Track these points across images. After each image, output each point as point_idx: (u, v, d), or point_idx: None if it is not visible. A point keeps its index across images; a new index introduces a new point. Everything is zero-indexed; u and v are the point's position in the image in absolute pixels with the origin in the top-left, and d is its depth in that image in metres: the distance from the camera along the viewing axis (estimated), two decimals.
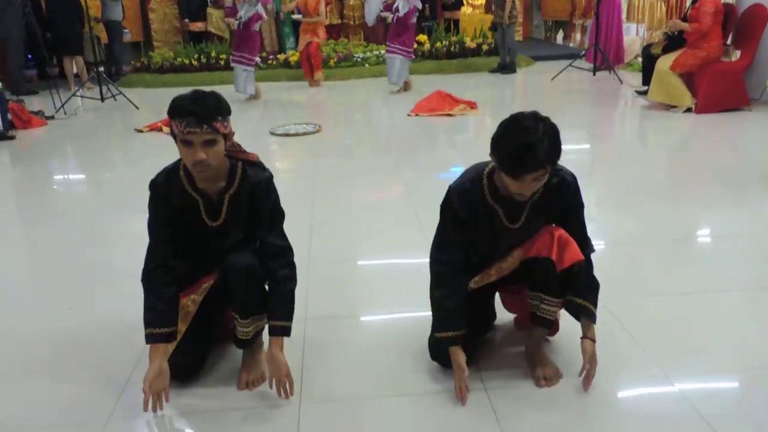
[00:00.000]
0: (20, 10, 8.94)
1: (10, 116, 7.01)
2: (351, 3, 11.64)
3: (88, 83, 9.48)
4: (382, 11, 8.84)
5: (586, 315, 2.24)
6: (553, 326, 2.38)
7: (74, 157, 6.40)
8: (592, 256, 2.32)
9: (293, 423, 2.11)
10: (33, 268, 3.62)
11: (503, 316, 2.65)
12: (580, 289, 2.24)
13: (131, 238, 3.81)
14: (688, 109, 6.55)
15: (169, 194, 2.22)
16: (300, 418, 2.13)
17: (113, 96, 8.77)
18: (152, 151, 5.99)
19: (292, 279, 2.31)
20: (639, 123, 6.88)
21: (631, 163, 5.14)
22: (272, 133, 6.45)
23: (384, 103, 8.42)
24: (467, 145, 6.05)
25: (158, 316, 2.20)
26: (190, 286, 2.31)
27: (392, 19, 8.44)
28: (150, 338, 2.19)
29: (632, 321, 2.62)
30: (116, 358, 2.51)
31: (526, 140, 1.93)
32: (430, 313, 2.42)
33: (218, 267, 2.30)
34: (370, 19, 11.22)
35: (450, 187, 2.24)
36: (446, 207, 2.25)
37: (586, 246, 2.27)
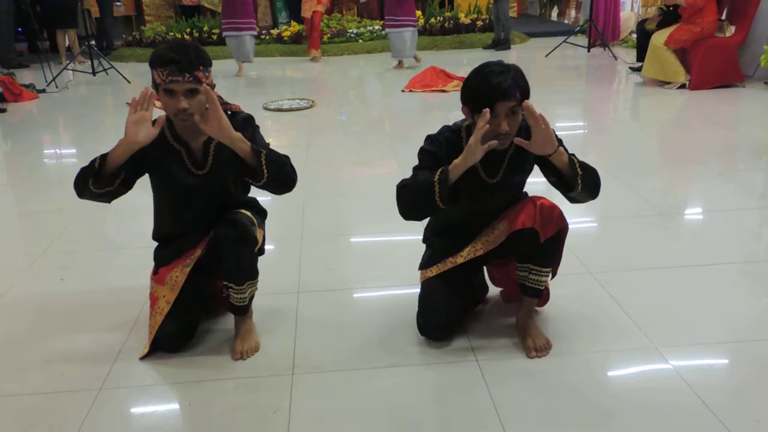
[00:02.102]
0: None
1: (1, 89, 6.95)
2: None
3: (80, 57, 9.39)
4: None
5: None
6: (542, 296, 2.39)
7: (66, 130, 6.35)
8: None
9: (286, 392, 2.12)
10: (25, 240, 3.62)
11: (494, 288, 2.67)
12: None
13: (123, 210, 3.81)
14: (682, 86, 6.55)
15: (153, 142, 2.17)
16: (293, 387, 2.15)
17: (105, 70, 8.70)
18: None
19: (288, 159, 2.26)
20: (633, 99, 6.87)
21: (624, 139, 5.15)
22: (265, 108, 6.41)
23: (378, 79, 8.37)
24: None
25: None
26: (177, 257, 2.32)
27: None
28: (101, 158, 2.15)
29: (624, 295, 2.65)
30: (108, 329, 2.52)
31: (492, 73, 2.05)
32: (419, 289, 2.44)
33: (204, 232, 2.30)
34: None
35: (429, 135, 2.27)
36: (423, 147, 2.26)
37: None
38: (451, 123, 2.33)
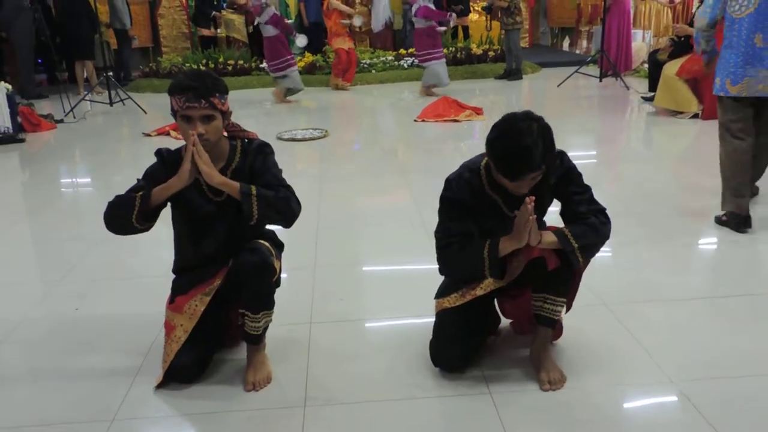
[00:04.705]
0: (31, 15, 9.04)
1: (20, 119, 7.08)
2: (357, 10, 11.69)
3: (98, 87, 9.55)
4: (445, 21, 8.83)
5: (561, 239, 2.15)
6: (556, 325, 2.36)
7: (83, 160, 6.44)
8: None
9: (298, 425, 2.11)
10: (41, 269, 3.65)
11: (508, 320, 2.65)
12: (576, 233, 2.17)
13: (140, 239, 3.84)
14: (695, 115, 6.54)
15: (171, 166, 2.24)
16: (305, 419, 2.14)
17: (122, 100, 8.83)
18: None
19: (289, 198, 2.26)
20: (645, 129, 6.88)
21: (638, 169, 5.13)
22: (279, 138, 6.47)
23: (391, 109, 8.44)
24: (473, 151, 5.93)
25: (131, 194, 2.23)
26: (195, 286, 2.33)
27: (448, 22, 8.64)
28: (142, 199, 2.20)
29: (638, 327, 2.62)
30: (122, 359, 2.53)
31: (521, 144, 1.97)
32: (434, 318, 2.42)
33: (223, 259, 2.31)
34: (377, 26, 11.27)
35: (448, 178, 2.26)
36: (446, 195, 2.26)
37: (602, 224, 2.20)
38: (463, 152, 2.33)
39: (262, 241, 2.32)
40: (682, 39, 6.76)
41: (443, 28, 8.87)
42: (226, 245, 2.32)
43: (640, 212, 4.01)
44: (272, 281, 2.32)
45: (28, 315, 2.96)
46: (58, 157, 6.44)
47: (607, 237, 2.22)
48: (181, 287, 2.38)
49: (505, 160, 2.02)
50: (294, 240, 3.65)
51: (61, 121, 7.81)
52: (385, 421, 2.14)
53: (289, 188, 2.29)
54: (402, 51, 11.01)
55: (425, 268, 3.27)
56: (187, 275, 2.39)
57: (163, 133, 6.81)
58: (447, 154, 6.14)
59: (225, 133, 2.32)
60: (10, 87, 7.18)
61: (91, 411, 2.22)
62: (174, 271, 2.48)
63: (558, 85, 9.11)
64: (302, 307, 2.91)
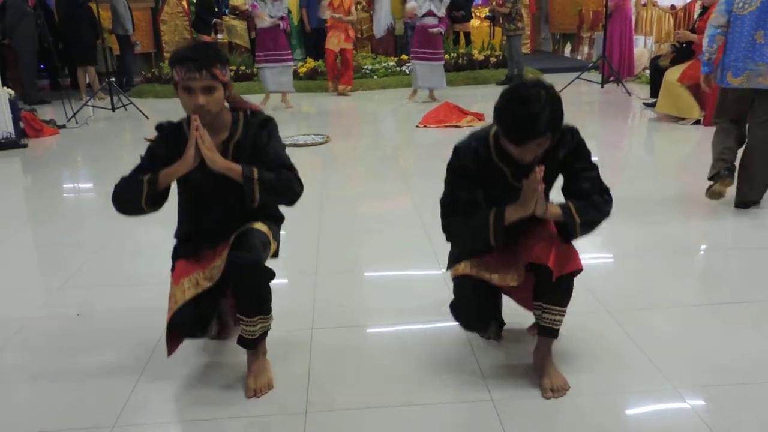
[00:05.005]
0: (34, 21, 9.06)
1: (22, 125, 7.09)
2: (359, 15, 11.71)
3: (100, 93, 9.57)
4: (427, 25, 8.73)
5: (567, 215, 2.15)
6: (557, 335, 2.34)
7: (85, 165, 6.45)
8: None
9: (299, 431, 2.11)
10: (42, 275, 3.65)
11: (511, 324, 2.65)
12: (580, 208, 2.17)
13: (141, 246, 3.85)
14: (697, 121, 6.54)
15: (172, 140, 2.28)
16: (306, 426, 2.13)
17: (124, 106, 8.84)
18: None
19: (291, 180, 2.26)
20: (647, 135, 6.88)
21: (640, 175, 5.13)
22: None
23: (392, 115, 8.45)
24: None
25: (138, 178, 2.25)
26: (196, 262, 2.33)
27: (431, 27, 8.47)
28: (150, 183, 2.22)
29: (641, 334, 2.61)
30: (123, 365, 2.52)
31: (528, 109, 1.98)
32: (435, 324, 2.42)
33: (225, 233, 2.30)
34: (379, 32, 11.29)
35: (456, 146, 2.27)
36: (453, 162, 2.26)
37: (605, 202, 2.22)
38: None
39: (259, 226, 2.32)
40: (684, 45, 6.77)
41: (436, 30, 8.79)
42: (227, 219, 2.33)
43: (642, 218, 4.00)
44: (267, 284, 2.28)
45: (29, 320, 2.96)
46: (60, 162, 6.45)
47: (607, 215, 2.22)
48: (182, 253, 2.38)
49: (511, 124, 2.02)
50: (296, 245, 3.66)
51: (64, 126, 7.82)
52: (387, 427, 2.13)
53: (291, 168, 2.29)
54: (404, 57, 11.01)
55: (427, 274, 3.28)
56: (188, 245, 2.40)
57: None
58: (449, 159, 6.13)
59: (226, 105, 2.32)
60: (12, 92, 7.21)
61: (92, 417, 2.22)
62: (176, 237, 2.47)
63: (559, 91, 9.05)
64: (304, 312, 2.91)
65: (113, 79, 9.25)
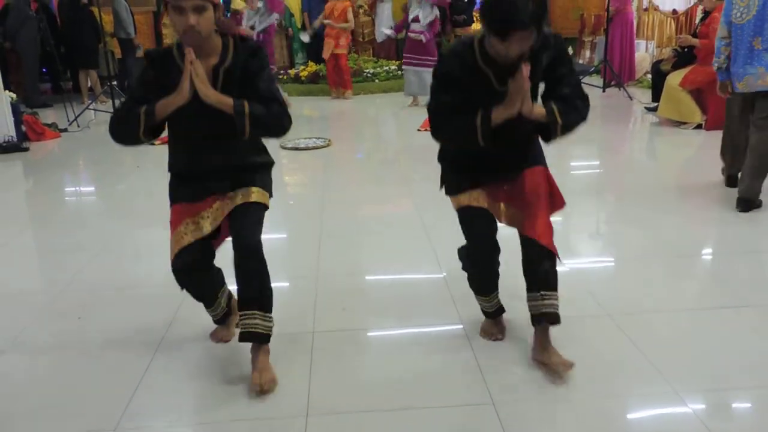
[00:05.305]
0: (36, 25, 9.09)
1: (24, 128, 7.11)
2: (361, 20, 11.73)
3: (102, 97, 9.59)
4: (392, 31, 8.86)
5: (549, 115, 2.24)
6: (558, 320, 2.39)
7: (86, 169, 6.46)
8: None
9: None
10: (44, 278, 3.65)
11: (511, 325, 2.65)
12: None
13: (142, 249, 3.85)
14: (698, 126, 6.54)
15: (161, 65, 2.28)
16: (307, 430, 2.13)
17: None
18: (163, 164, 5.99)
19: (281, 115, 2.30)
20: (649, 139, 6.87)
21: (641, 179, 5.13)
22: (282, 147, 6.48)
23: (394, 118, 8.46)
24: None
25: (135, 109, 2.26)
26: (187, 203, 2.38)
27: (413, 34, 8.46)
28: (147, 115, 2.23)
29: (642, 338, 2.61)
30: (124, 368, 2.52)
31: (512, 1, 2.04)
32: (437, 327, 2.42)
33: (216, 174, 2.36)
34: (380, 36, 11.30)
35: (441, 52, 2.36)
36: (440, 69, 2.32)
37: (585, 107, 2.30)
38: None
39: (256, 197, 2.38)
40: (686, 50, 6.77)
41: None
42: (219, 152, 2.35)
43: (643, 222, 4.00)
44: (267, 278, 2.36)
45: (30, 324, 2.96)
46: (61, 165, 6.45)
47: (585, 119, 2.31)
48: (177, 192, 2.44)
49: (495, 15, 2.07)
50: (297, 249, 3.66)
51: (65, 130, 7.83)
52: (387, 431, 2.12)
53: (281, 103, 2.32)
54: None
55: (427, 277, 3.28)
56: (180, 183, 2.44)
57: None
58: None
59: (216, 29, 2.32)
60: (14, 96, 7.22)
61: (93, 421, 2.22)
62: (169, 170, 2.49)
63: None
64: (304, 316, 2.91)
65: (115, 82, 9.27)
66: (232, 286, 2.43)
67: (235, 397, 2.32)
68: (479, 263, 2.57)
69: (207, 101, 2.20)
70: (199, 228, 2.35)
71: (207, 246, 2.43)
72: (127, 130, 2.28)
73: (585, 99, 2.31)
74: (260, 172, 2.47)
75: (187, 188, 2.41)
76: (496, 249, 2.51)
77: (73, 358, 2.63)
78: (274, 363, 2.44)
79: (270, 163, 2.55)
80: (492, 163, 2.37)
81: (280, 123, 2.30)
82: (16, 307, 3.14)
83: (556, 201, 2.46)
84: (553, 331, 2.41)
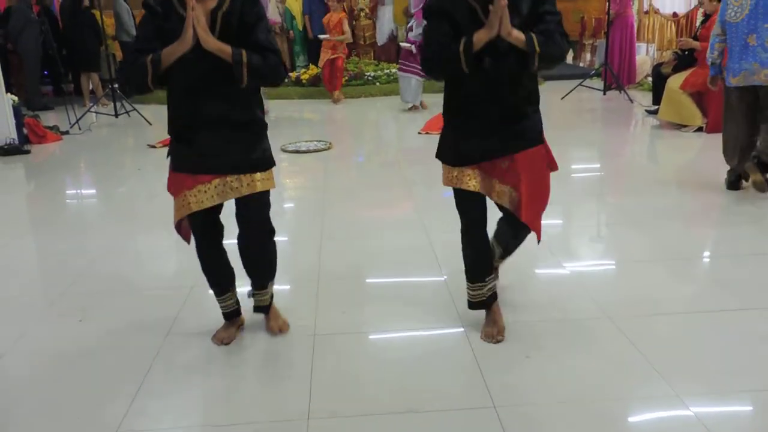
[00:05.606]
0: (38, 27, 9.11)
1: (25, 131, 7.12)
2: (362, 23, 11.75)
3: (103, 99, 9.60)
4: (406, 41, 8.80)
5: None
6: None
7: (88, 171, 6.46)
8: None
9: None
10: (44, 281, 3.65)
11: (511, 327, 2.65)
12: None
13: (143, 251, 3.85)
14: (699, 129, 6.54)
15: (158, 12, 2.33)
16: None
17: (127, 112, 8.87)
18: (165, 166, 6.01)
19: (277, 65, 2.39)
20: (649, 142, 6.88)
21: (642, 182, 5.13)
22: (283, 150, 6.49)
23: (394, 122, 8.46)
24: None
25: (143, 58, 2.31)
26: (187, 173, 2.47)
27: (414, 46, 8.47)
28: (153, 64, 2.29)
29: (643, 341, 2.61)
30: (125, 371, 2.53)
31: None
32: (438, 330, 2.42)
33: (212, 130, 2.42)
34: (381, 39, 11.32)
35: None
36: (431, 5, 2.43)
37: (564, 42, 2.40)
38: None
39: (261, 184, 2.50)
40: (686, 53, 6.78)
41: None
42: (218, 105, 2.38)
43: (644, 225, 4.00)
44: (274, 247, 2.64)
45: (31, 327, 2.96)
46: (63, 168, 6.46)
47: (563, 57, 2.45)
48: (177, 161, 2.52)
49: None
50: (298, 252, 3.66)
51: (67, 132, 7.84)
52: None
53: (277, 53, 2.40)
54: None
55: (428, 280, 3.28)
56: (180, 148, 2.49)
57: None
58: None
59: None
60: (16, 98, 7.23)
61: (93, 423, 2.22)
62: (169, 133, 2.52)
63: (562, 98, 9.12)
64: (305, 318, 2.91)
65: (116, 85, 9.28)
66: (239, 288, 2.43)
67: (237, 400, 2.33)
68: (474, 240, 2.67)
69: (206, 47, 2.26)
70: (198, 201, 2.45)
71: (214, 216, 2.58)
72: (137, 80, 2.34)
73: (565, 36, 2.41)
74: (257, 141, 2.54)
75: (186, 160, 2.48)
76: (485, 221, 2.66)
77: (74, 361, 2.64)
78: (275, 366, 2.48)
79: (265, 124, 2.61)
80: (487, 114, 2.45)
81: (276, 72, 2.40)
82: (17, 309, 3.14)
83: (552, 166, 2.63)
84: (555, 334, 2.41)
